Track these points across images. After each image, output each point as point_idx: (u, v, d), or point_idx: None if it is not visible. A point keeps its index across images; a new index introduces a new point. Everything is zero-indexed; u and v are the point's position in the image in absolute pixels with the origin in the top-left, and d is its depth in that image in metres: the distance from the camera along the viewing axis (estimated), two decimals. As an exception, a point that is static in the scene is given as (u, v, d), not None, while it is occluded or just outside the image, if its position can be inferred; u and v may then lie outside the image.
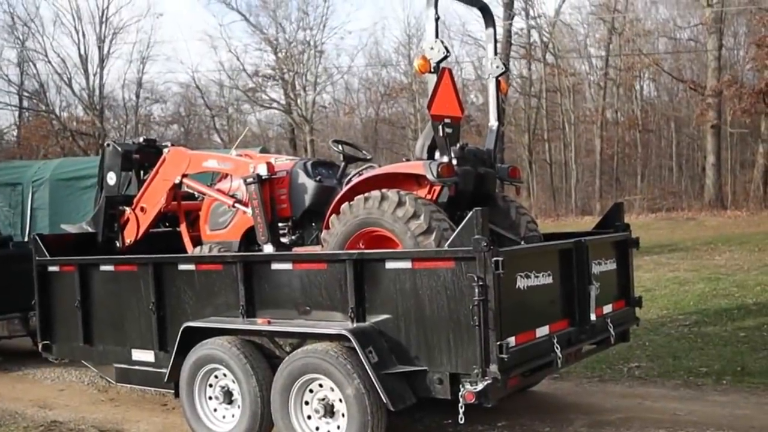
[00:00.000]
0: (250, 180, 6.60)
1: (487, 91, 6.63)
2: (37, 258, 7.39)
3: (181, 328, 6.03)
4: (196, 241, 7.46)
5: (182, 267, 6.37)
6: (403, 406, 5.05)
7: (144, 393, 7.74)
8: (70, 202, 13.27)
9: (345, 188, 6.13)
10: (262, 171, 6.60)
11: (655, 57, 37.04)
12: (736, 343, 8.65)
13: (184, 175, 7.28)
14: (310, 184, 6.68)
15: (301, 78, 38.84)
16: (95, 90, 39.09)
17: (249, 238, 6.97)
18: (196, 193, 7.48)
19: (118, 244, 7.70)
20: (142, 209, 7.54)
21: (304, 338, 5.59)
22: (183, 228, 7.59)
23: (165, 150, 7.48)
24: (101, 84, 39.44)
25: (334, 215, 5.89)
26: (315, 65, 38.83)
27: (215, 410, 6.00)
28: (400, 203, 5.52)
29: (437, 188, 5.85)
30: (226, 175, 7.49)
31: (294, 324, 5.60)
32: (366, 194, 5.72)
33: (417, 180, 5.93)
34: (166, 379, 6.20)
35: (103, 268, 6.95)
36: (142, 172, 8.01)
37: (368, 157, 6.99)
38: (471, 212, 4.86)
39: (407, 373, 5.13)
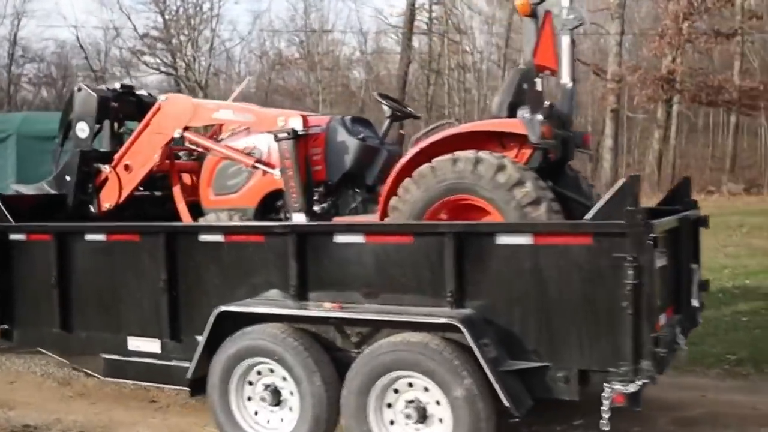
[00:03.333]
0: (282, 135, 5.51)
1: (560, 45, 5.80)
2: (-2, 224, 5.98)
3: (215, 313, 4.88)
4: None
5: (206, 238, 5.20)
6: (525, 410, 4.21)
7: (122, 387, 6.48)
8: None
9: (414, 149, 5.14)
10: (296, 125, 5.54)
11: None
12: (744, 329, 8.31)
13: (186, 128, 6.08)
14: (351, 143, 5.67)
15: (193, 43, 36.80)
16: (-38, 45, 35.64)
17: (267, 205, 5.90)
18: (201, 149, 6.28)
19: (92, 209, 6.39)
20: (126, 168, 6.27)
21: (378, 328, 4.60)
22: (177, 191, 6.36)
23: (161, 98, 6.22)
24: (-31, 39, 36.01)
25: (408, 180, 4.92)
26: (210, 29, 36.88)
27: (257, 413, 4.90)
28: (501, 167, 4.63)
29: (527, 152, 4.99)
30: (221, 128, 6.44)
31: (372, 311, 4.56)
32: (452, 156, 4.79)
33: (501, 142, 5.05)
34: (190, 375, 5.00)
35: (90, 237, 5.65)
36: (116, 125, 6.77)
37: (418, 116, 6.04)
38: (623, 179, 4.05)
39: (522, 370, 4.28)
